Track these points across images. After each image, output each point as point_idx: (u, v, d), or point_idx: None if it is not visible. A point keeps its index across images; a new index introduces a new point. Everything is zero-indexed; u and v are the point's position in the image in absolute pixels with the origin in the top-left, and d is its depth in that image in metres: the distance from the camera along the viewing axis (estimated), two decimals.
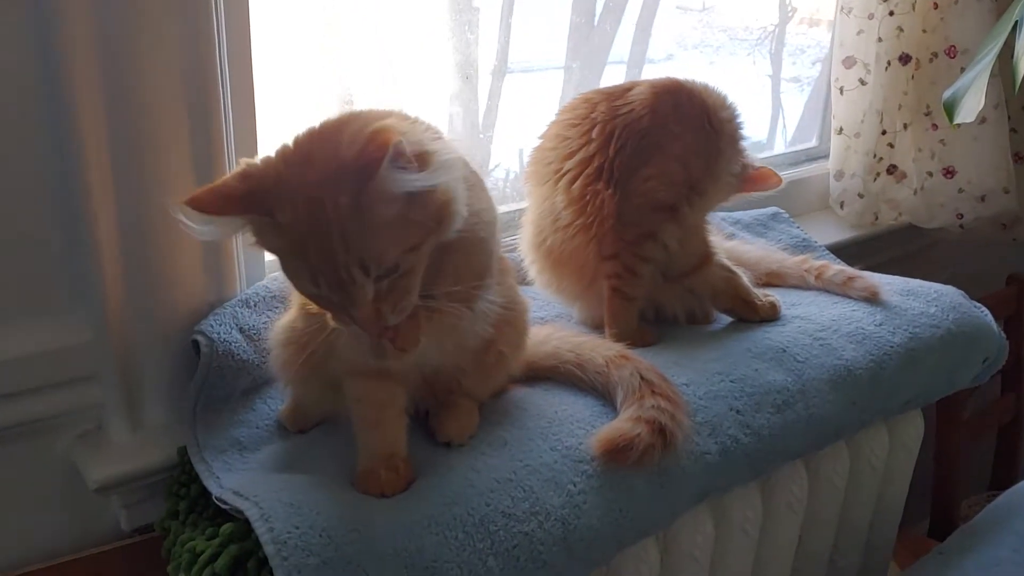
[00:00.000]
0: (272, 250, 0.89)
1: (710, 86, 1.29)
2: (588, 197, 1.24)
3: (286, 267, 0.89)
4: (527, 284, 1.34)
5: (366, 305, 0.85)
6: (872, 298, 1.40)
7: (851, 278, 1.42)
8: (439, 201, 0.87)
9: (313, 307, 0.98)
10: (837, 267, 1.47)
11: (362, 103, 1.39)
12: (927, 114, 1.81)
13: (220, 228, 0.86)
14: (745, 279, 1.34)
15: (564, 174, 1.26)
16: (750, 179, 1.32)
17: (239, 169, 0.87)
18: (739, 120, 1.29)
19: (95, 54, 0.96)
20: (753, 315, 1.33)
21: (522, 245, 1.34)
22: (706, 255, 1.32)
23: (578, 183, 1.25)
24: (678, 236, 1.27)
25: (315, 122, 0.89)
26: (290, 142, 0.88)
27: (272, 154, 0.87)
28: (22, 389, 1.05)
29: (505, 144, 1.58)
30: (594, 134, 1.24)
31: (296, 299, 1.06)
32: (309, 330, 0.99)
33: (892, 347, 1.30)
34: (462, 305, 0.96)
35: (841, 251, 1.65)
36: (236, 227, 0.87)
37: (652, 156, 1.23)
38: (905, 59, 1.76)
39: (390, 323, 0.88)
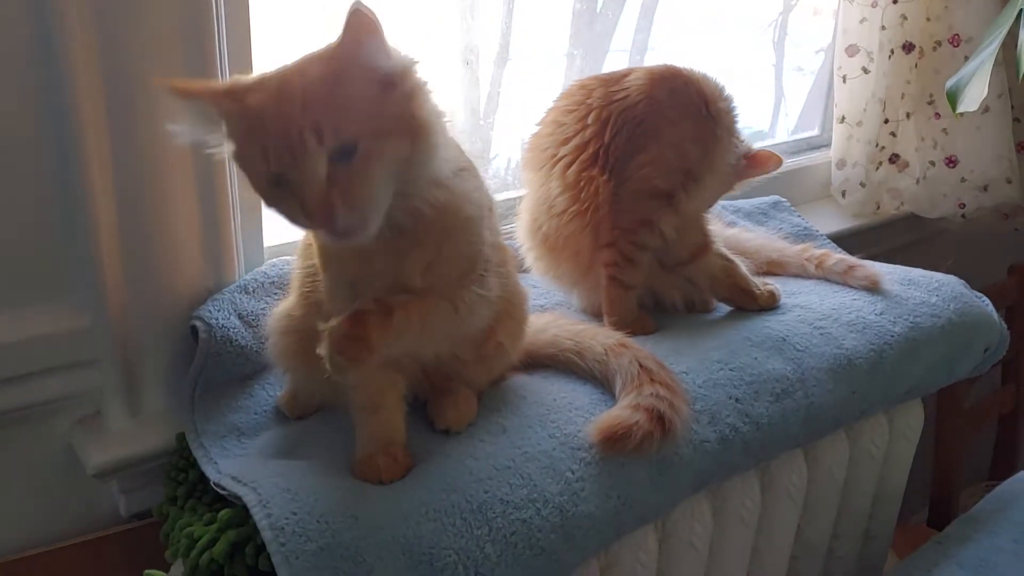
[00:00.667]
0: (234, 140, 0.84)
1: (708, 75, 1.28)
2: (583, 183, 1.24)
3: (241, 154, 0.84)
4: (525, 272, 1.34)
5: (316, 183, 0.80)
6: (873, 287, 1.39)
7: (852, 267, 1.42)
8: (415, 111, 0.85)
9: (311, 294, 0.98)
10: (838, 256, 1.47)
11: None
12: (930, 103, 1.80)
13: (193, 120, 0.85)
14: (744, 268, 1.33)
15: (559, 160, 1.25)
16: (750, 163, 1.31)
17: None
18: (735, 110, 1.29)
19: (94, 37, 0.96)
20: (752, 304, 1.32)
21: (519, 232, 1.33)
22: (704, 244, 1.31)
23: (573, 169, 1.24)
24: (674, 224, 1.27)
25: None
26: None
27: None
28: (21, 374, 1.05)
29: (507, 132, 1.57)
30: (590, 120, 1.24)
31: (295, 286, 1.06)
32: (307, 318, 0.99)
33: (893, 336, 1.30)
34: (453, 295, 0.95)
35: (842, 240, 1.65)
36: (210, 120, 0.84)
37: (648, 143, 1.23)
38: (908, 47, 1.76)
39: (339, 221, 0.82)
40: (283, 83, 0.82)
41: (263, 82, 0.83)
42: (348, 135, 0.80)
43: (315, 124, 0.79)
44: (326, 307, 0.97)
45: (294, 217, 0.84)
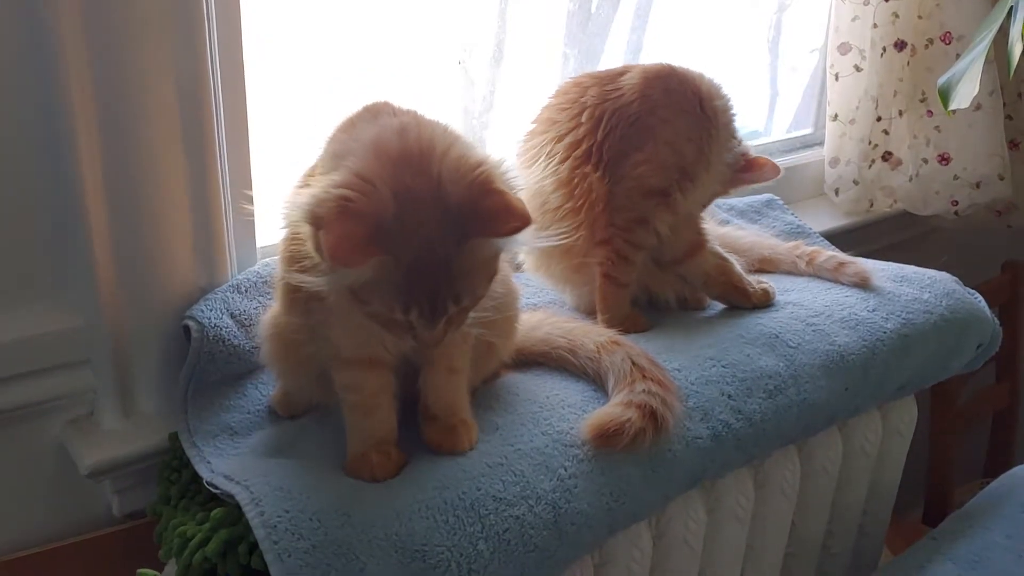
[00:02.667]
0: (367, 282, 0.87)
1: (704, 74, 1.28)
2: (576, 180, 1.24)
3: (370, 296, 0.87)
4: (517, 269, 1.34)
5: (441, 332, 0.89)
6: (863, 284, 1.39)
7: (842, 264, 1.42)
8: (500, 263, 0.95)
9: (297, 299, 0.98)
10: (828, 253, 1.47)
11: (349, 87, 1.39)
12: (922, 100, 1.80)
13: (353, 275, 0.86)
14: (738, 266, 1.33)
15: (552, 157, 1.25)
16: (748, 166, 1.31)
17: (338, 205, 0.84)
18: (732, 109, 1.29)
19: (85, 37, 0.96)
20: (746, 302, 1.33)
21: None
22: (699, 242, 1.31)
23: (566, 165, 1.25)
24: (670, 222, 1.27)
25: (370, 133, 0.90)
26: (369, 164, 0.86)
27: (357, 179, 0.85)
28: (13, 374, 1.05)
29: (500, 132, 1.57)
30: (583, 118, 1.24)
31: (280, 292, 1.05)
32: (293, 324, 1.00)
33: (885, 333, 1.30)
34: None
35: (836, 238, 1.65)
36: (368, 270, 0.85)
37: (643, 141, 1.23)
38: (900, 45, 1.76)
39: (446, 341, 0.92)
40: (427, 246, 0.85)
41: (397, 223, 0.84)
42: (481, 296, 0.92)
43: (456, 296, 0.88)
44: (336, 343, 0.98)
45: (397, 334, 0.91)
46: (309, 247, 0.88)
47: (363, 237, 0.83)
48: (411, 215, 0.85)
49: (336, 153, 0.92)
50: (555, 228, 1.25)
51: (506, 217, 0.86)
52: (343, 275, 0.86)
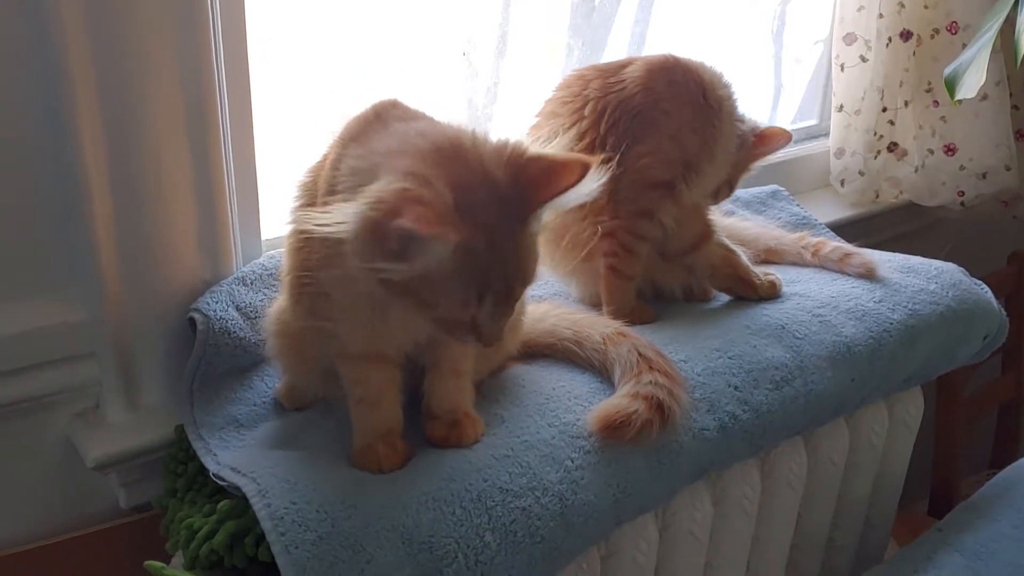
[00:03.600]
0: (438, 278, 0.84)
1: (707, 64, 1.28)
2: None
3: (439, 294, 0.85)
4: None
5: (504, 323, 0.89)
6: (868, 274, 1.39)
7: (848, 255, 1.42)
8: None
9: (303, 295, 0.98)
10: (834, 244, 1.46)
11: (353, 84, 1.38)
12: (928, 91, 1.79)
13: (437, 256, 0.82)
14: (745, 258, 1.33)
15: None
16: (759, 140, 1.29)
17: (404, 194, 0.81)
18: (735, 96, 1.28)
19: (88, 33, 0.96)
20: (752, 294, 1.32)
21: None
22: (705, 234, 1.31)
23: None
24: (674, 214, 1.26)
25: (393, 142, 0.89)
26: (411, 164, 0.84)
27: (409, 176, 0.83)
28: (19, 367, 1.05)
29: (505, 124, 1.57)
30: (586, 111, 1.24)
31: (286, 287, 1.04)
32: (298, 320, 1.00)
33: (892, 324, 1.30)
34: None
35: (841, 229, 1.65)
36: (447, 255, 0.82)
37: (646, 134, 1.22)
38: (906, 35, 1.75)
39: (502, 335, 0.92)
40: (492, 230, 0.84)
41: (461, 212, 0.82)
42: (532, 282, 0.91)
43: (523, 279, 0.89)
44: (343, 339, 0.97)
45: (460, 335, 0.90)
46: (357, 260, 0.83)
47: (443, 211, 0.81)
48: (470, 203, 0.83)
49: (356, 169, 0.89)
50: (560, 221, 1.25)
51: (565, 170, 0.85)
52: (429, 255, 0.81)
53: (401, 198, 0.81)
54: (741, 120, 1.29)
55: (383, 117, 0.95)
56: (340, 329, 0.96)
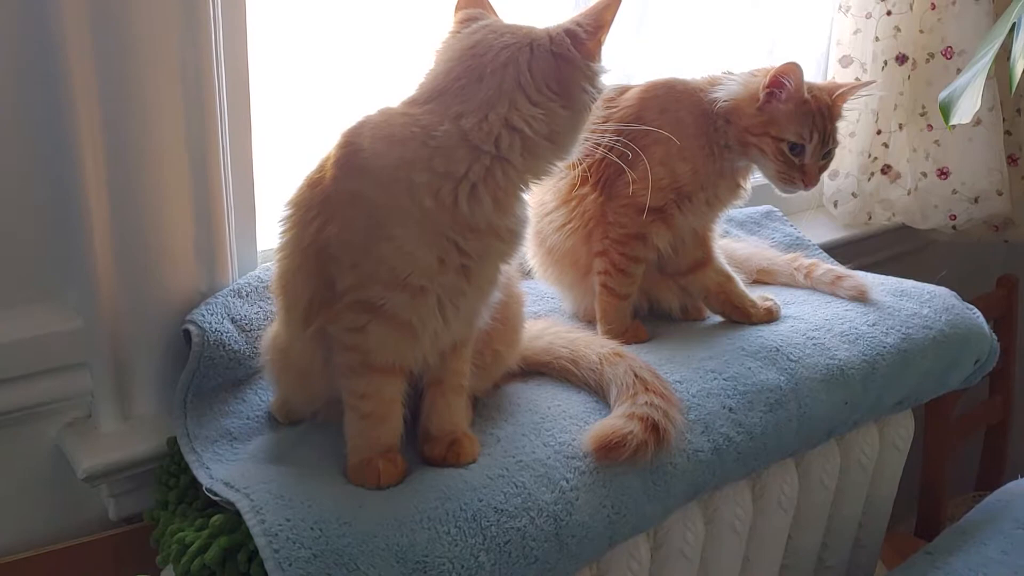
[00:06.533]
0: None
1: (704, 86, 1.26)
2: (575, 202, 1.27)
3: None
4: (526, 276, 1.34)
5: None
6: (860, 297, 1.40)
7: (840, 277, 1.42)
8: None
9: (296, 318, 0.98)
10: (827, 266, 1.47)
11: (351, 93, 1.38)
12: (923, 114, 1.81)
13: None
14: (741, 285, 1.33)
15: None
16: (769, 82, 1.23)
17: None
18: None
19: (89, 38, 0.96)
20: (745, 321, 1.32)
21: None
22: (704, 260, 1.31)
23: (564, 183, 1.26)
24: (668, 239, 1.27)
25: None
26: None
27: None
28: (11, 376, 1.04)
29: None
30: None
31: (280, 310, 1.05)
32: (292, 342, 1.01)
33: (885, 347, 1.31)
34: None
35: (834, 250, 1.65)
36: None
37: (635, 162, 1.21)
38: (902, 59, 1.77)
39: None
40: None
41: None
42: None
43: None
44: (372, 348, 0.96)
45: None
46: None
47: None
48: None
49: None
50: (563, 244, 1.26)
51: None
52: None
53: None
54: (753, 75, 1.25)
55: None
56: (370, 339, 0.94)
